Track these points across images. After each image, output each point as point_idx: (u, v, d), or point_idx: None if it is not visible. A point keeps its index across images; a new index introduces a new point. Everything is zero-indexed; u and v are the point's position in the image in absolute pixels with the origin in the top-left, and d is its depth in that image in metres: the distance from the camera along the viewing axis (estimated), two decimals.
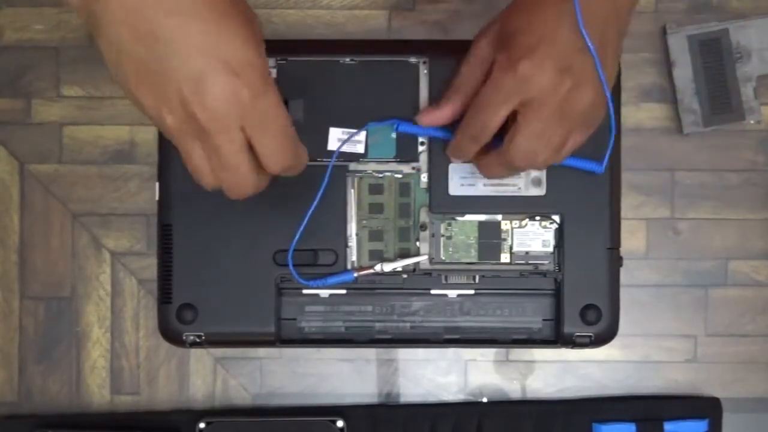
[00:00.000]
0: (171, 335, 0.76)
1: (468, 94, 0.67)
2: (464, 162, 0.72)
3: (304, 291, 0.76)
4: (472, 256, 0.76)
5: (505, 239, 0.76)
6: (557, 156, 0.65)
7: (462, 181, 0.75)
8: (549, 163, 0.66)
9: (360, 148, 0.75)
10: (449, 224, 0.76)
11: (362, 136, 0.75)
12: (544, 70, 0.61)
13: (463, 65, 0.68)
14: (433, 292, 0.76)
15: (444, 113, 0.70)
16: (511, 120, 0.65)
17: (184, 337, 0.75)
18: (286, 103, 0.74)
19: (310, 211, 0.73)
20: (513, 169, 0.67)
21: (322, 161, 0.75)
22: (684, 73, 0.80)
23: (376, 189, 0.76)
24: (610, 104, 0.65)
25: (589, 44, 0.61)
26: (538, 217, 0.76)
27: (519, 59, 0.62)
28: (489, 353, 0.82)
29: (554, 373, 0.83)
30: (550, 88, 0.62)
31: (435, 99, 0.74)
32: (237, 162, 0.59)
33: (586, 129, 0.65)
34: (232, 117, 0.57)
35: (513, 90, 0.62)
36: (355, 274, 0.75)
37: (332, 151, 0.75)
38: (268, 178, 0.62)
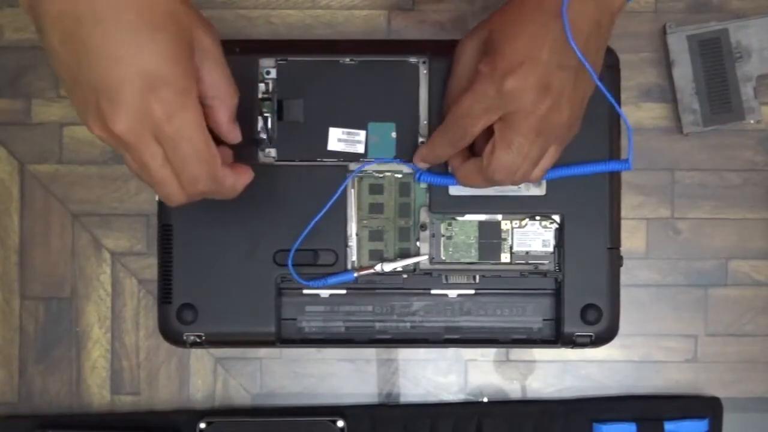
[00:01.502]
0: (171, 335, 0.76)
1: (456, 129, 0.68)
2: (431, 165, 0.73)
3: (305, 291, 0.76)
4: (472, 256, 0.76)
5: (505, 239, 0.76)
6: (534, 171, 0.67)
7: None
8: (525, 179, 0.67)
9: (360, 148, 0.75)
10: (449, 224, 0.76)
11: (362, 136, 0.75)
12: (528, 88, 0.62)
13: (451, 79, 0.69)
14: (433, 292, 0.76)
15: (436, 153, 0.71)
16: (484, 131, 0.66)
17: (184, 337, 0.75)
18: (280, 103, 0.74)
19: (320, 215, 0.73)
20: (491, 182, 0.68)
21: (322, 161, 0.75)
22: (684, 73, 0.80)
23: (376, 189, 0.76)
24: (615, 104, 0.65)
25: (582, 59, 0.62)
26: (538, 217, 0.76)
27: (505, 74, 0.62)
28: (489, 353, 0.82)
29: (554, 373, 0.83)
30: (532, 105, 0.63)
31: (435, 99, 0.74)
32: (162, 176, 0.59)
33: (559, 145, 0.67)
34: (145, 132, 0.56)
35: (496, 103, 0.63)
36: (356, 274, 0.75)
37: (332, 151, 0.75)
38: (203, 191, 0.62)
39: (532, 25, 0.63)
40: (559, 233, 0.75)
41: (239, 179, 0.63)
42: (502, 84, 0.62)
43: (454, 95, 0.68)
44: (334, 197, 0.73)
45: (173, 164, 0.58)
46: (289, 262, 0.74)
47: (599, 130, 0.75)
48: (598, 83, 0.63)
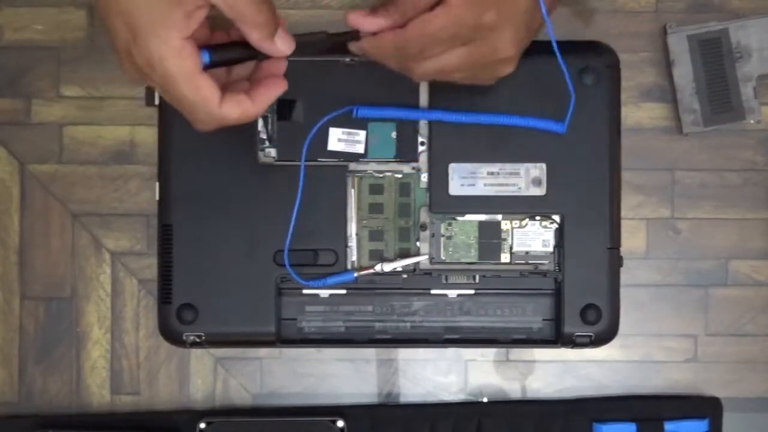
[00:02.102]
0: (171, 335, 0.76)
1: (407, 15, 0.63)
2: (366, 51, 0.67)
3: (305, 291, 0.76)
4: (472, 256, 0.76)
5: (505, 239, 0.76)
6: (426, 63, 0.63)
7: (462, 181, 0.75)
8: (426, 75, 0.64)
9: (360, 148, 0.75)
10: (449, 224, 0.76)
11: (362, 136, 0.75)
12: None
13: None
14: (433, 292, 0.76)
15: (376, 23, 0.64)
16: None
17: (184, 337, 0.75)
18: (281, 103, 0.74)
19: (295, 211, 0.73)
20: (398, 56, 0.64)
21: (322, 161, 0.75)
22: (684, 72, 0.80)
23: (376, 189, 0.76)
24: (561, 62, 0.65)
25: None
26: (538, 217, 0.76)
27: None
28: (489, 353, 0.82)
29: (554, 373, 0.83)
30: (478, 5, 0.60)
31: (435, 98, 0.74)
32: (176, 105, 0.60)
33: (473, 52, 0.63)
34: (143, 75, 0.59)
35: None
36: (355, 274, 0.75)
37: (332, 151, 0.75)
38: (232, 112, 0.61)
39: None
40: (559, 233, 0.75)
41: (249, 108, 0.61)
42: None
43: (409, 10, 0.63)
44: (299, 188, 0.73)
45: (172, 103, 0.60)
46: (286, 262, 0.74)
47: (598, 130, 0.75)
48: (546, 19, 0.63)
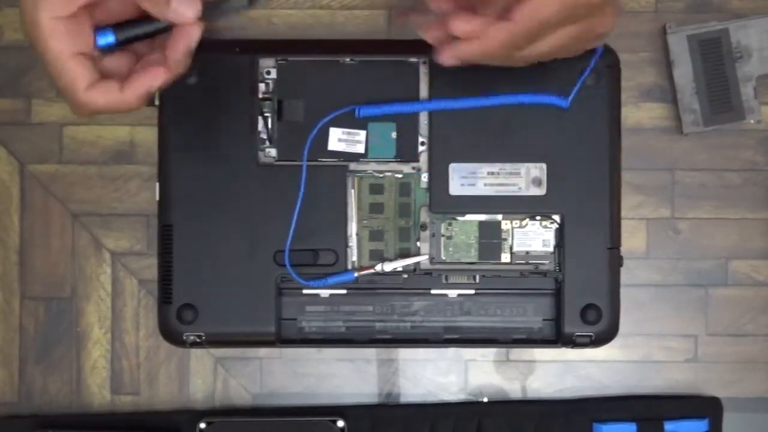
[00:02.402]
0: (171, 335, 0.76)
1: (510, 5, 0.57)
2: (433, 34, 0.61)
3: (305, 291, 0.76)
4: (473, 256, 0.76)
5: (505, 239, 0.76)
6: (539, 44, 0.59)
7: (462, 181, 0.75)
8: (539, 57, 0.60)
9: (360, 148, 0.75)
10: (449, 224, 0.76)
11: (362, 136, 0.75)
12: None
13: None
14: (433, 292, 0.76)
15: (481, 22, 0.58)
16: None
17: (184, 337, 0.75)
18: (281, 103, 0.74)
19: (297, 211, 0.73)
20: (509, 47, 0.59)
21: (322, 161, 0.75)
22: (684, 72, 0.80)
23: (376, 189, 0.76)
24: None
25: None
26: (538, 217, 0.76)
27: None
28: (489, 353, 0.82)
29: (554, 373, 0.83)
30: None
31: (435, 93, 0.74)
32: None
33: (583, 28, 0.60)
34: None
35: None
36: (356, 274, 0.75)
37: (333, 151, 0.75)
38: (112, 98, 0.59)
39: None
40: (559, 233, 0.75)
41: (116, 96, 0.58)
42: None
43: None
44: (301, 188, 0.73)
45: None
46: (287, 262, 0.74)
47: (598, 130, 0.75)
48: None
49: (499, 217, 0.76)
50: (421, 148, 0.75)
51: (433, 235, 0.76)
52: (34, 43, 0.58)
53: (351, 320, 0.76)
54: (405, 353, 0.82)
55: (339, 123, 0.74)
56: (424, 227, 0.76)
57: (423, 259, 0.76)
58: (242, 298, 0.75)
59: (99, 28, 0.59)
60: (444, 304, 0.76)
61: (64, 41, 0.57)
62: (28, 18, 0.57)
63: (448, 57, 0.59)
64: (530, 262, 0.76)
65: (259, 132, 0.75)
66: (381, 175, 0.76)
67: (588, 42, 0.63)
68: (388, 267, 0.75)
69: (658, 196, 0.82)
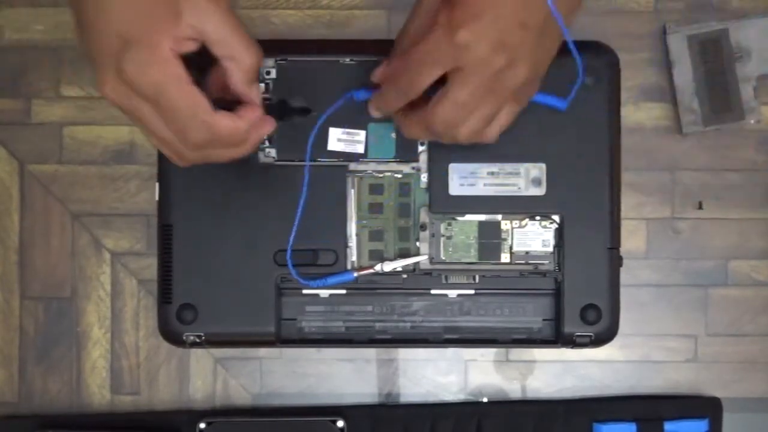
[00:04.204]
0: (171, 335, 0.76)
1: (415, 103, 0.65)
2: (384, 115, 0.69)
3: (304, 291, 0.76)
4: (472, 256, 0.76)
5: (505, 239, 0.76)
6: (487, 131, 0.64)
7: (462, 181, 0.75)
8: (477, 137, 0.64)
9: (360, 148, 0.75)
10: (449, 224, 0.76)
11: (362, 136, 0.75)
12: (482, 43, 0.59)
13: (409, 20, 0.65)
14: (433, 292, 0.76)
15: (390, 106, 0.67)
16: (440, 82, 0.62)
17: (184, 337, 0.75)
18: (284, 102, 0.74)
19: (300, 210, 0.73)
20: (433, 134, 0.64)
21: (322, 161, 0.75)
22: (684, 72, 0.80)
23: (376, 189, 0.76)
24: (573, 48, 0.63)
25: (556, 13, 0.59)
26: (538, 217, 0.76)
27: (459, 25, 0.59)
28: (489, 353, 0.82)
29: (554, 373, 0.83)
30: (485, 61, 0.60)
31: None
32: (162, 135, 0.60)
33: (516, 105, 0.64)
34: (129, 91, 0.58)
35: (447, 54, 0.60)
36: (355, 274, 0.75)
37: (332, 151, 0.75)
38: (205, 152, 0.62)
39: None
40: (559, 233, 0.75)
41: (240, 124, 0.61)
42: (455, 35, 0.59)
43: (407, 42, 0.65)
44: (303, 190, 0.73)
45: (164, 119, 0.59)
46: (288, 262, 0.74)
47: (598, 131, 0.75)
48: (566, 33, 0.61)
49: (499, 217, 0.76)
50: (420, 148, 0.75)
51: (432, 235, 0.76)
52: (152, 69, 0.57)
53: (351, 320, 0.76)
54: (405, 353, 0.82)
55: (339, 123, 0.74)
56: (423, 227, 0.76)
57: (423, 259, 0.76)
58: (242, 298, 0.75)
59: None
60: (444, 304, 0.76)
61: (184, 69, 0.58)
62: (148, 47, 0.57)
63: (371, 109, 0.69)
64: (530, 262, 0.76)
65: None
66: (381, 175, 0.76)
67: (522, 102, 0.65)
68: (388, 267, 0.75)
69: (658, 196, 0.82)
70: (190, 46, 0.58)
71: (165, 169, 0.75)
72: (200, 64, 0.60)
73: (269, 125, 0.62)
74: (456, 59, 0.60)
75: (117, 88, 0.58)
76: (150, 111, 0.59)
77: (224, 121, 0.60)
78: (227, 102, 0.61)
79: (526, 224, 0.76)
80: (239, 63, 0.60)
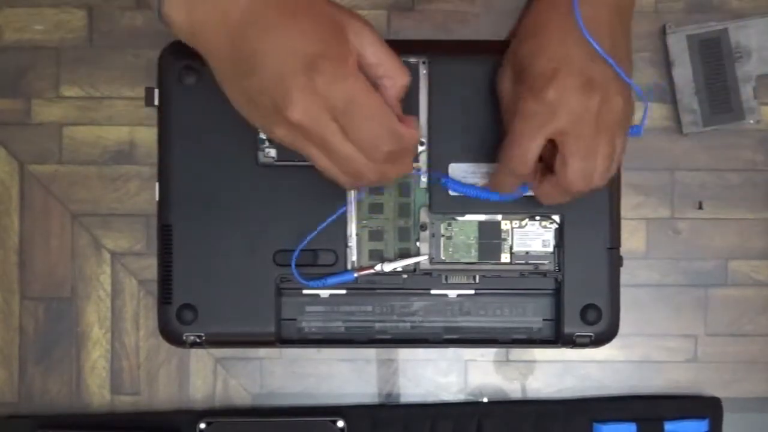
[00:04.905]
0: (171, 335, 0.76)
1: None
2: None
3: (304, 291, 0.76)
4: (472, 256, 0.76)
5: (505, 239, 0.76)
6: (611, 166, 0.66)
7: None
8: (607, 177, 0.66)
9: None
10: (449, 224, 0.76)
11: None
12: (571, 92, 0.62)
13: (502, 116, 0.69)
14: (433, 292, 0.76)
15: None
16: (550, 147, 0.65)
17: (184, 338, 0.75)
18: None
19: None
20: (573, 193, 0.67)
21: None
22: (684, 73, 0.80)
23: (376, 189, 0.76)
24: (637, 89, 0.66)
25: (598, 49, 0.62)
26: (538, 217, 0.76)
27: (542, 88, 0.62)
28: (489, 353, 0.82)
29: (554, 373, 0.83)
30: (581, 105, 0.62)
31: (435, 99, 0.74)
32: (347, 152, 0.60)
33: (624, 131, 0.66)
34: (319, 109, 0.58)
35: (546, 118, 0.63)
36: (355, 274, 0.75)
37: None
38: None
39: (551, 31, 0.63)
40: (559, 233, 0.75)
41: (413, 132, 0.63)
42: (544, 97, 0.62)
43: (508, 129, 0.67)
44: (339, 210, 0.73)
45: (352, 133, 0.60)
46: (293, 263, 0.74)
47: None
48: (619, 71, 0.63)
49: (499, 217, 0.76)
50: (420, 148, 0.75)
51: (432, 236, 0.76)
52: (346, 81, 0.59)
53: (351, 320, 0.76)
54: (405, 353, 0.82)
55: None
56: (423, 227, 0.76)
57: (423, 259, 0.76)
58: (242, 298, 0.75)
59: None
60: (444, 304, 0.76)
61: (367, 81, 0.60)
62: (337, 62, 0.59)
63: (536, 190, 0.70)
64: (530, 262, 0.76)
65: (259, 132, 0.75)
66: None
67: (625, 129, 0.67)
68: (388, 267, 0.75)
69: (658, 196, 0.82)
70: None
71: (165, 169, 0.75)
72: None
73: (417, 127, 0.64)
74: (555, 118, 0.63)
75: (309, 107, 0.58)
76: (335, 130, 0.59)
77: (407, 129, 0.62)
78: None
79: (526, 224, 0.76)
80: (395, 82, 0.62)
